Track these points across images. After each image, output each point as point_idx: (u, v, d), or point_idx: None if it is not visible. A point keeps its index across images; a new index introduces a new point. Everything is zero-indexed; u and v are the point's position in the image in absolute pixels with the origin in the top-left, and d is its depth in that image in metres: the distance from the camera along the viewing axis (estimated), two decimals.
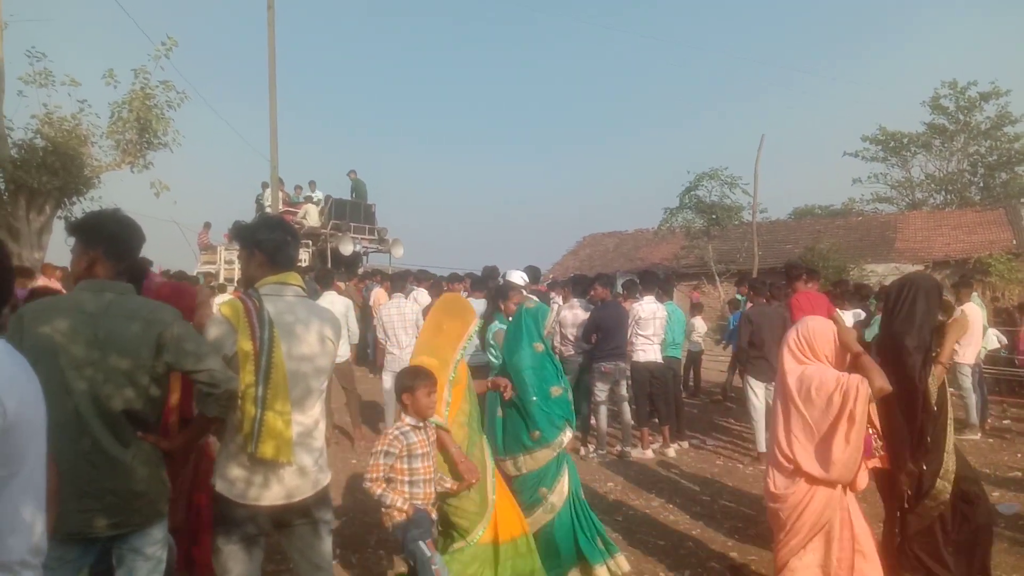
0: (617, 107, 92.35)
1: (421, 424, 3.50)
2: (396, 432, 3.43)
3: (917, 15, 71.85)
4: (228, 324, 2.75)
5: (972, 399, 8.37)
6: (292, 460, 2.75)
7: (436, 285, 9.80)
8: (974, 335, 8.36)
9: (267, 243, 2.94)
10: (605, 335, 7.59)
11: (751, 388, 7.38)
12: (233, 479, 2.77)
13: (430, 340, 3.95)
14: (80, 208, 11.83)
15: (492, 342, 5.86)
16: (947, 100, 35.10)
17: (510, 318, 5.96)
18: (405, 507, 3.36)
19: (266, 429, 2.68)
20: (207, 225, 19.21)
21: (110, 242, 2.62)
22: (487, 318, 6.16)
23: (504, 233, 66.49)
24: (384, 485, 3.38)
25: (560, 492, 4.30)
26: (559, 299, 11.73)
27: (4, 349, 1.71)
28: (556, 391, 4.39)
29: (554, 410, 4.33)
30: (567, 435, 4.42)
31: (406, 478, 3.42)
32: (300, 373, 2.85)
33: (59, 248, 12.78)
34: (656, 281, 8.76)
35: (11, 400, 1.54)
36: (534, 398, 4.26)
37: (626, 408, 7.84)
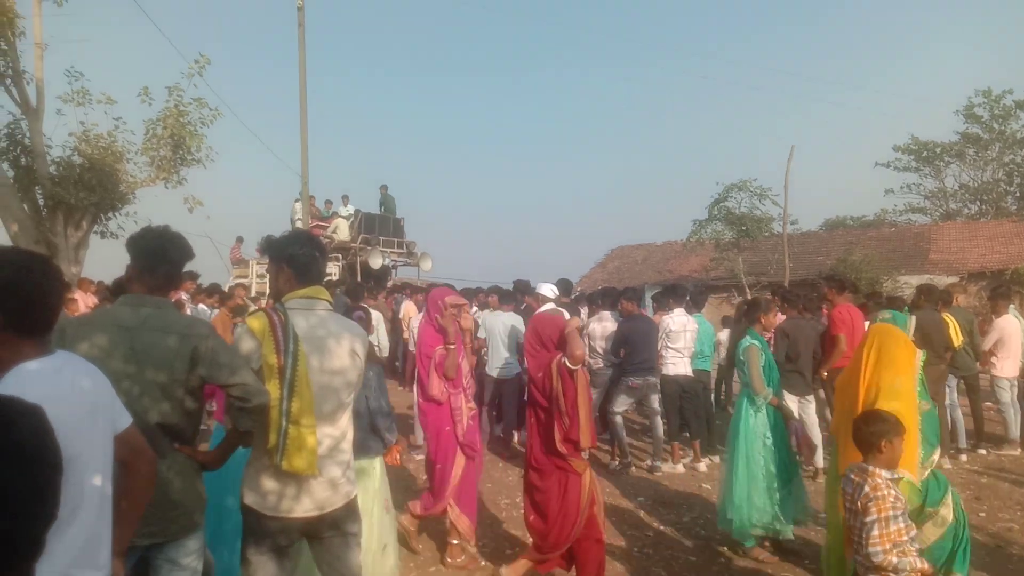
0: (645, 119, 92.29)
1: (898, 476, 3.19)
2: (892, 491, 3.06)
3: (948, 23, 71.00)
4: (255, 338, 2.78)
5: (1011, 414, 8.17)
6: (317, 473, 2.77)
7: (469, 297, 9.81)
8: (1013, 348, 8.18)
9: (296, 258, 2.96)
10: (632, 349, 7.53)
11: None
12: (265, 492, 2.78)
13: (894, 379, 3.74)
14: (116, 223, 12.06)
15: (743, 358, 5.29)
16: (981, 109, 34.61)
17: (766, 334, 5.77)
18: (925, 566, 3.03)
19: (292, 442, 2.69)
20: (239, 239, 19.51)
21: (145, 257, 2.68)
22: (737, 334, 5.68)
23: (532, 246, 66.56)
24: (895, 553, 3.00)
25: (948, 506, 4.01)
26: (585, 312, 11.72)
27: (42, 368, 1.75)
28: (924, 406, 4.19)
29: (924, 427, 4.10)
30: (937, 454, 4.25)
31: (906, 537, 3.06)
32: (329, 387, 2.87)
33: (95, 263, 13.01)
34: (686, 294, 8.71)
35: (64, 406, 1.58)
36: None
37: (658, 422, 7.75)
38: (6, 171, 10.77)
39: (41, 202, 11.07)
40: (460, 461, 4.98)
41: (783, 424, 5.16)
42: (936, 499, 4.02)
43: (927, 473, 4.07)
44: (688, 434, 8.02)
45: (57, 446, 1.22)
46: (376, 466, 4.31)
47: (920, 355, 4.03)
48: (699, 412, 8.05)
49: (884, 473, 3.10)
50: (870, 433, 3.18)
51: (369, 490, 4.14)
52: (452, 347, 4.98)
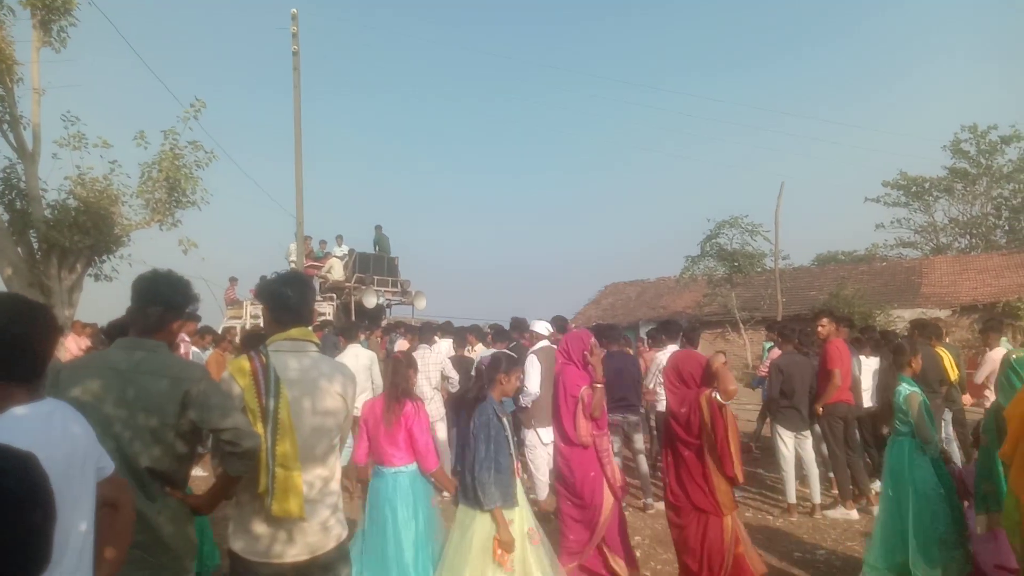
0: (636, 156, 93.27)
1: None
2: None
3: (933, 61, 72.26)
4: (236, 382, 2.76)
5: None
6: (305, 516, 2.74)
7: (459, 336, 9.81)
8: None
9: (275, 299, 2.96)
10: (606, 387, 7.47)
11: (780, 438, 7.27)
12: (255, 537, 2.76)
13: None
14: (110, 266, 12.06)
15: (904, 407, 4.98)
16: (968, 144, 35.12)
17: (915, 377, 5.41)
18: None
19: (279, 486, 2.67)
20: (233, 280, 19.51)
21: (137, 299, 2.70)
22: (889, 381, 5.23)
23: (527, 283, 66.64)
24: None
25: None
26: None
27: (31, 414, 1.77)
28: None
29: None
30: None
31: None
32: (322, 428, 2.86)
33: (89, 305, 12.99)
34: (679, 329, 8.70)
35: (56, 450, 1.59)
36: None
37: (642, 460, 7.73)
38: (1, 215, 10.80)
39: (35, 245, 11.07)
40: (608, 503, 4.87)
41: (948, 473, 4.85)
42: None
43: None
44: None
45: (50, 492, 1.23)
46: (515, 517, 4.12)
47: None
48: None
49: None
50: None
51: (476, 543, 4.01)
52: (600, 386, 4.89)
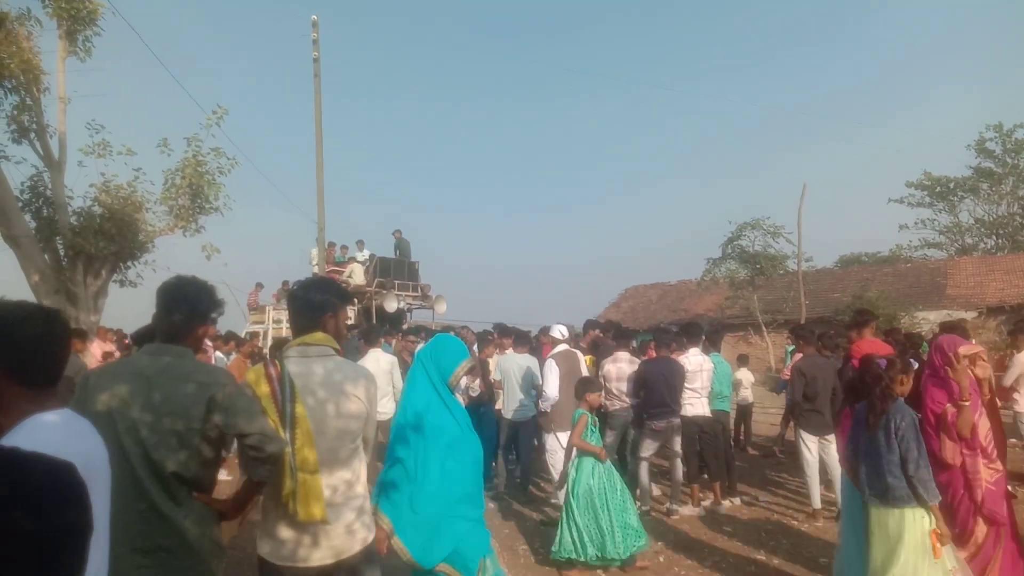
0: (658, 158, 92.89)
1: None
2: None
3: (957, 59, 71.39)
4: (251, 390, 2.79)
5: None
6: (327, 520, 2.77)
7: (483, 340, 9.82)
8: None
9: (295, 303, 3.02)
10: (649, 391, 7.46)
11: (804, 442, 7.18)
12: (282, 540, 2.78)
13: None
14: (134, 272, 12.21)
15: None
16: (993, 143, 34.63)
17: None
18: None
19: (300, 490, 2.70)
20: (258, 285, 19.72)
21: (161, 304, 2.73)
22: None
23: (547, 286, 66.47)
24: None
25: None
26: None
27: (66, 416, 1.78)
28: None
29: None
30: None
31: None
32: (339, 432, 2.88)
33: (114, 311, 13.11)
34: (700, 333, 8.63)
35: (77, 458, 1.60)
36: None
37: (678, 464, 7.63)
38: (29, 223, 10.97)
39: (62, 252, 11.24)
40: (980, 530, 4.53)
41: None
42: None
43: None
44: (708, 476, 7.91)
45: (87, 501, 1.23)
46: (913, 517, 4.06)
47: None
48: (719, 453, 7.95)
49: None
50: None
51: (908, 542, 3.99)
52: (965, 404, 4.60)
